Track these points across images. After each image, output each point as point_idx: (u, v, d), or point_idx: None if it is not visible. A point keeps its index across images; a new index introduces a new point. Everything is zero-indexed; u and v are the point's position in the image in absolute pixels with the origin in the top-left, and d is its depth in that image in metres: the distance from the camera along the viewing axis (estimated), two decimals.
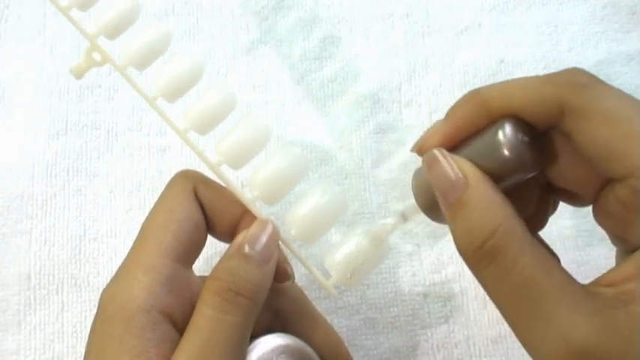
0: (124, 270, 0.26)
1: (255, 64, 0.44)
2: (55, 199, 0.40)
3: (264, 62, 0.44)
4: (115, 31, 0.28)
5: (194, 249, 0.28)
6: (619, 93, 0.21)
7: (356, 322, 0.38)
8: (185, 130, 0.28)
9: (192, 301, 0.26)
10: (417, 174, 0.26)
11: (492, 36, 0.45)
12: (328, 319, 0.31)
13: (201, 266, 0.29)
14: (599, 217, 0.24)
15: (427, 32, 0.45)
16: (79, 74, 0.29)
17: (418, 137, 0.26)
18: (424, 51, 0.45)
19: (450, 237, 0.23)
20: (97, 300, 0.26)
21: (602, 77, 0.22)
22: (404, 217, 0.28)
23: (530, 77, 0.23)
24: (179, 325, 0.26)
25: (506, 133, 0.22)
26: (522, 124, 0.23)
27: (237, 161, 0.28)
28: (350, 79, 0.44)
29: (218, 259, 0.27)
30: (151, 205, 0.28)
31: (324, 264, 0.28)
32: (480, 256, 0.22)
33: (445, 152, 0.24)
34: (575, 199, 0.25)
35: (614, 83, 0.21)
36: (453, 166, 0.23)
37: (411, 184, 0.27)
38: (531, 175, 0.23)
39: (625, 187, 0.21)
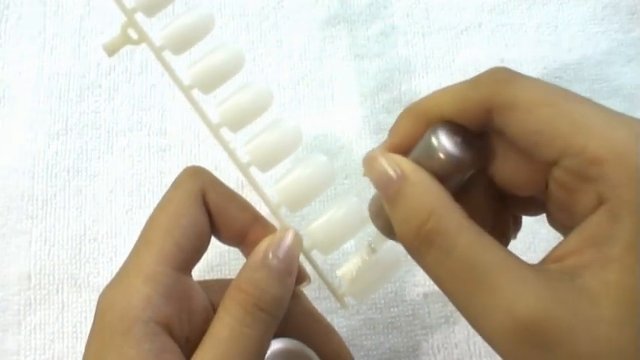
0: (123, 275, 0.26)
1: (255, 64, 0.43)
2: (55, 199, 0.40)
3: (264, 62, 0.44)
4: (153, 7, 0.26)
5: (196, 256, 0.28)
6: (540, 82, 0.22)
7: (356, 322, 0.38)
8: (218, 125, 0.27)
9: (190, 310, 0.26)
10: (372, 199, 0.27)
11: (492, 36, 0.45)
12: (328, 318, 0.31)
13: (199, 264, 0.28)
14: (552, 219, 0.24)
15: (427, 32, 0.45)
16: (112, 51, 0.26)
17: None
18: (424, 51, 0.45)
19: None
20: (97, 300, 0.26)
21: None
22: (371, 249, 0.28)
23: (459, 83, 0.24)
24: (176, 334, 0.25)
25: (437, 135, 0.23)
26: (455, 126, 0.23)
27: (266, 163, 0.27)
28: (350, 79, 0.44)
29: (217, 257, 0.27)
30: (152, 205, 0.28)
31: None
32: (418, 242, 0.22)
33: (384, 152, 0.24)
34: (530, 207, 0.25)
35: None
36: (391, 162, 0.23)
37: (369, 212, 0.27)
38: (470, 172, 0.24)
39: (560, 170, 0.21)
